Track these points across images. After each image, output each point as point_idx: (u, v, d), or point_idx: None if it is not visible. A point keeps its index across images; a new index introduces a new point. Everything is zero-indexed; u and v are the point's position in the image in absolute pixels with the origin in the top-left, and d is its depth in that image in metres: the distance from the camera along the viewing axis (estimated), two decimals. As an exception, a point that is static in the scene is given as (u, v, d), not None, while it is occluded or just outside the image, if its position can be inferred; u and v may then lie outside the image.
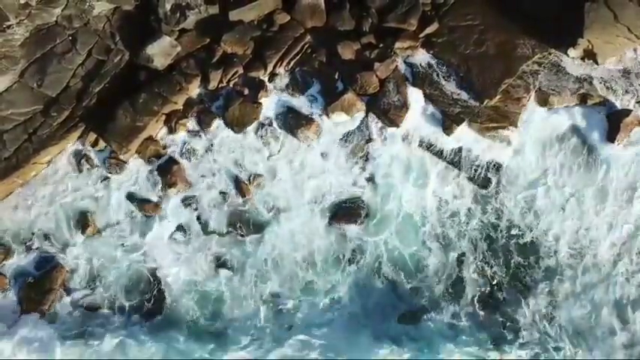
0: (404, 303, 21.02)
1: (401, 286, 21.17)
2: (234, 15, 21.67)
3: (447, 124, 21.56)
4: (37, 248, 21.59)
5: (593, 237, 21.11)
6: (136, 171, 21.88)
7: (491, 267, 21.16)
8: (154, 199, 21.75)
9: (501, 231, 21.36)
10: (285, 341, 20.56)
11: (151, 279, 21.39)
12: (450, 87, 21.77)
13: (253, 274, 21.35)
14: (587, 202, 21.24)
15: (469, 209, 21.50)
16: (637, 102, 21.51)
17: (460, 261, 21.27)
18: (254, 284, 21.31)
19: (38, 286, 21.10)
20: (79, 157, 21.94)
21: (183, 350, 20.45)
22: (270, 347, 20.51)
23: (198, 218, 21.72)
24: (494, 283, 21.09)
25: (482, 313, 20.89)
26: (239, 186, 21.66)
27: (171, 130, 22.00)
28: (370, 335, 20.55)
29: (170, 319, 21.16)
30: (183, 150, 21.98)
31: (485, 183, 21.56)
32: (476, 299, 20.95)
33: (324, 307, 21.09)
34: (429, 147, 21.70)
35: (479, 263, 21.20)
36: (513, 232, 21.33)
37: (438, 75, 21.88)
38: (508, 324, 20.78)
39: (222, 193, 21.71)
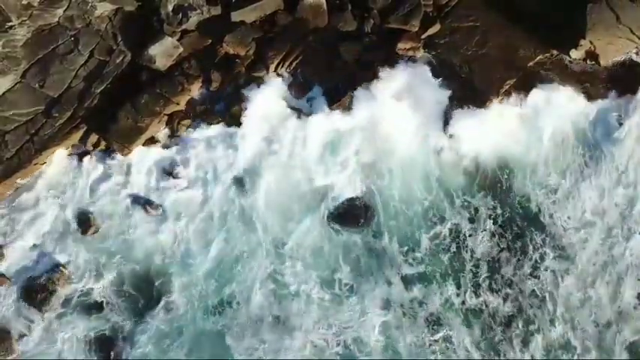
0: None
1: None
2: (236, 16, 21.66)
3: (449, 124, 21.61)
4: (38, 248, 21.48)
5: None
6: (138, 171, 21.82)
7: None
8: (156, 199, 21.75)
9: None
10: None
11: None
12: (452, 88, 21.75)
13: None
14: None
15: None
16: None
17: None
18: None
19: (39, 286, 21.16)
20: (81, 158, 21.90)
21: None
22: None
23: (199, 216, 21.73)
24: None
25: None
26: (242, 187, 21.71)
27: (173, 131, 22.03)
28: None
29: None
30: (185, 149, 21.98)
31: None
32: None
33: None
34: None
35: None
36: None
37: (440, 76, 21.84)
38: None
39: (225, 193, 21.71)
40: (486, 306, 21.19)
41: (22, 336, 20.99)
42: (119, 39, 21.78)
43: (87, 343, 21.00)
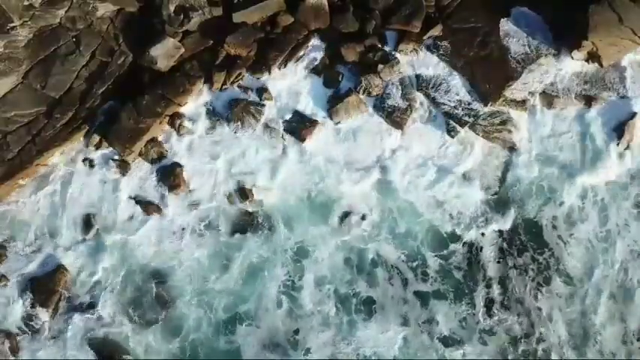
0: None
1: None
2: (237, 17, 21.64)
3: (451, 126, 21.59)
4: (40, 249, 21.55)
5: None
6: (139, 173, 21.85)
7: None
8: (157, 201, 21.75)
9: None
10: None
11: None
12: (454, 89, 21.73)
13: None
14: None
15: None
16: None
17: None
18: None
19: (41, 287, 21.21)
20: (83, 159, 21.92)
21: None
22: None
23: (202, 220, 21.74)
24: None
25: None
26: (242, 188, 21.70)
27: (175, 132, 22.01)
28: None
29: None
30: (187, 151, 21.96)
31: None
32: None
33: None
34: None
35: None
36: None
37: (441, 77, 21.83)
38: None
39: (226, 196, 21.72)
40: (501, 323, 21.31)
41: (23, 337, 21.03)
42: (120, 40, 21.80)
43: (88, 345, 21.04)
